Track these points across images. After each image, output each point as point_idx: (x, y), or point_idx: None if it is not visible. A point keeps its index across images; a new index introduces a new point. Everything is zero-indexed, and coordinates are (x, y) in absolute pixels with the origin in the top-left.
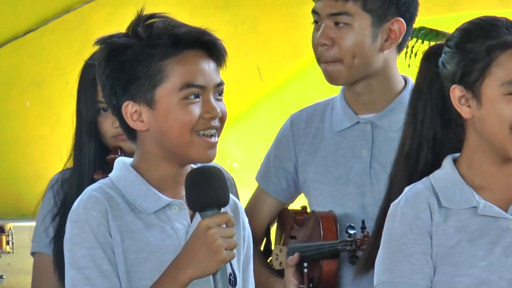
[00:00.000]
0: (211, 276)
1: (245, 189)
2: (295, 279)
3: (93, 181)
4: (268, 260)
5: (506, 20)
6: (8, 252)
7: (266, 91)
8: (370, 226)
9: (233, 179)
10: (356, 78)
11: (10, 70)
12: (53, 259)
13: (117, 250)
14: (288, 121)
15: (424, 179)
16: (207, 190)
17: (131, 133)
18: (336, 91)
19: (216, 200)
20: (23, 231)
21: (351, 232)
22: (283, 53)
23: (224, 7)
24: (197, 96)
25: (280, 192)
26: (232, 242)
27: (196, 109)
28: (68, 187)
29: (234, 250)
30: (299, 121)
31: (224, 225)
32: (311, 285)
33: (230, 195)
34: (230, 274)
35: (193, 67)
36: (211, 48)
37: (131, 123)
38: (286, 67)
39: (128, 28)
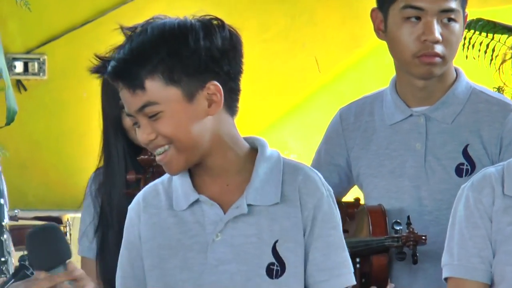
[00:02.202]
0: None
1: None
2: None
3: (126, 182)
4: None
5: None
6: None
7: (323, 82)
8: (427, 219)
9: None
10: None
11: (67, 61)
12: (97, 267)
13: (146, 246)
14: (337, 116)
15: (502, 163)
16: (42, 253)
17: None
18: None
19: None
20: None
21: (397, 228)
22: (340, 44)
23: None
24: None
25: (332, 187)
26: None
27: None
28: (103, 190)
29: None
30: (348, 115)
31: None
32: (363, 280)
33: (302, 167)
34: (273, 264)
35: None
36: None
37: None
38: (344, 58)
39: None
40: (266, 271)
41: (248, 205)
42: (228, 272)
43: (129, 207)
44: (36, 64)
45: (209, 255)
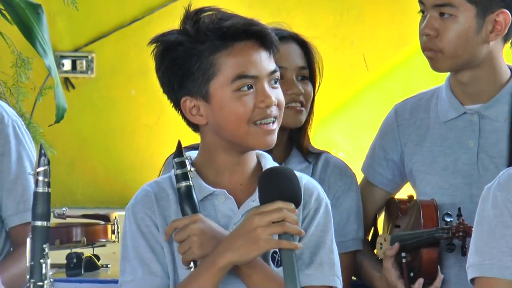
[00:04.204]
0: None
1: None
2: (394, 270)
3: None
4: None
5: None
6: (114, 241)
7: (371, 80)
8: None
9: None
10: (459, 67)
11: (115, 59)
12: None
13: (162, 238)
14: (392, 112)
15: None
16: (272, 187)
17: (195, 127)
18: (441, 80)
19: (280, 196)
20: None
21: (448, 219)
22: (389, 42)
23: None
24: (250, 86)
25: (386, 183)
26: (274, 228)
27: (250, 100)
28: None
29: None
30: (404, 111)
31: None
32: (411, 274)
33: (302, 175)
34: (275, 253)
35: (244, 59)
36: (261, 38)
37: (190, 118)
38: (392, 56)
39: (180, 24)
40: (271, 258)
41: None
42: None
43: (134, 202)
44: (84, 62)
45: None
